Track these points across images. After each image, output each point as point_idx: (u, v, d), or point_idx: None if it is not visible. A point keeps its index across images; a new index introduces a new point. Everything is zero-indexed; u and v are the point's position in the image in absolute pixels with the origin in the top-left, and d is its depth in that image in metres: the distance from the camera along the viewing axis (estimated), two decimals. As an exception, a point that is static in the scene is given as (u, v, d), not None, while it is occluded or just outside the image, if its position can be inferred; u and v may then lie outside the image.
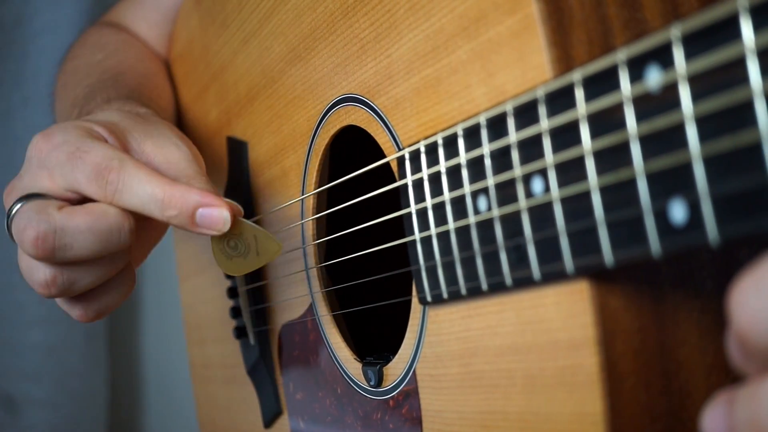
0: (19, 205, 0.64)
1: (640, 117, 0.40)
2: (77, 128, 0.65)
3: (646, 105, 0.40)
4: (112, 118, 0.70)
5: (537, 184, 0.47)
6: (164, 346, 1.63)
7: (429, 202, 0.56)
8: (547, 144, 0.46)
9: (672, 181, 0.39)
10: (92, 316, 0.70)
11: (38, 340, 1.42)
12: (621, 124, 0.41)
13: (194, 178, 0.65)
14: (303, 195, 0.77)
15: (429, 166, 0.56)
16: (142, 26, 1.10)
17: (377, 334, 0.79)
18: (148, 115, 0.76)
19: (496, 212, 0.50)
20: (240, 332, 0.91)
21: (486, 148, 0.50)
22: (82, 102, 0.87)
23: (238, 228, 0.65)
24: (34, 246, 0.62)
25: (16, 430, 1.40)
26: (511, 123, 0.48)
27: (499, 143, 0.49)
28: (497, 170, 0.50)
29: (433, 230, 0.56)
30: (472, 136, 0.52)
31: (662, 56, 0.39)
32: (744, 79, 0.35)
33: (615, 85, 0.41)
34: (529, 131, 0.47)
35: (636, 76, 0.40)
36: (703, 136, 0.37)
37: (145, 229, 0.71)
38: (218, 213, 0.61)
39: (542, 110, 0.46)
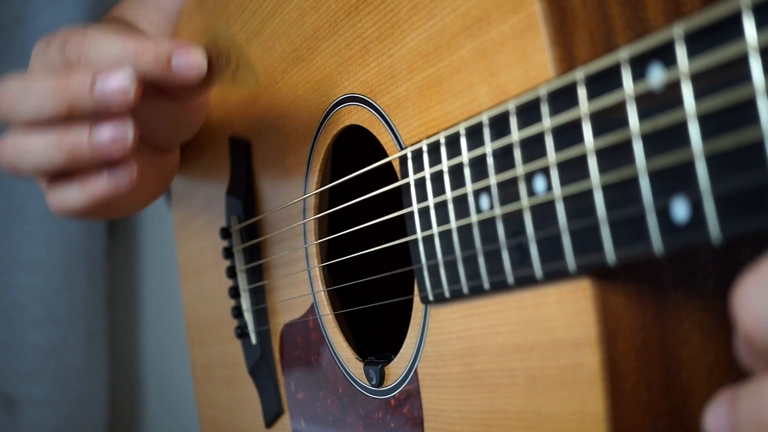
0: None
1: (642, 115, 0.40)
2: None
3: (649, 103, 0.40)
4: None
5: (539, 183, 0.47)
6: (164, 347, 1.63)
7: (431, 201, 0.56)
8: (549, 143, 0.46)
9: (674, 179, 0.39)
10: (59, 210, 0.68)
11: (38, 340, 1.42)
12: (623, 122, 0.41)
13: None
14: (305, 194, 0.77)
15: (431, 165, 0.56)
16: (145, 27, 1.10)
17: (379, 333, 0.79)
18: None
19: (498, 211, 0.50)
20: (241, 332, 0.91)
21: (488, 147, 0.51)
22: None
23: (226, 46, 0.61)
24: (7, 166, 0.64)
25: (16, 430, 1.40)
26: (513, 122, 0.49)
27: (502, 142, 0.49)
28: (499, 169, 0.50)
29: (435, 229, 0.56)
30: (475, 135, 0.52)
31: (665, 55, 0.39)
32: (746, 77, 0.35)
33: (617, 84, 0.41)
34: (531, 130, 0.47)
35: (638, 74, 0.40)
36: (706, 135, 0.37)
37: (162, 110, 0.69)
38: (194, 55, 0.59)
39: (545, 109, 0.46)
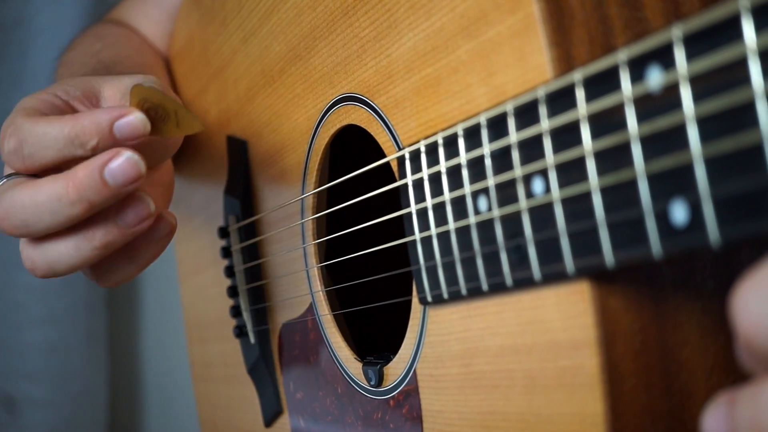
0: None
1: (641, 117, 0.40)
2: (28, 99, 0.65)
3: (647, 105, 0.40)
4: (67, 79, 0.69)
5: (537, 185, 0.47)
6: (164, 346, 1.63)
7: (429, 202, 0.56)
8: (547, 144, 0.46)
9: (673, 182, 0.39)
10: (114, 284, 0.68)
11: (38, 340, 1.42)
12: (622, 124, 0.41)
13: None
14: (303, 194, 0.77)
15: (429, 166, 0.56)
16: (144, 24, 1.10)
17: (378, 333, 0.79)
18: (116, 65, 0.74)
19: (496, 212, 0.50)
20: (240, 331, 0.91)
21: (486, 148, 0.50)
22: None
23: (158, 99, 0.61)
24: (4, 230, 0.62)
25: (16, 430, 1.40)
26: (511, 123, 0.48)
27: (500, 143, 0.49)
28: (497, 170, 0.50)
29: (433, 230, 0.56)
30: (473, 136, 0.52)
31: (663, 56, 0.39)
32: (745, 79, 0.35)
33: (616, 86, 0.41)
34: (529, 131, 0.47)
35: (637, 76, 0.40)
36: (705, 137, 0.37)
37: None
38: (134, 118, 0.58)
39: (543, 110, 0.46)
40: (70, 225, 0.60)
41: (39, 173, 0.63)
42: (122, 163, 0.57)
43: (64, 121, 0.59)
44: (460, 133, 0.53)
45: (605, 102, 0.42)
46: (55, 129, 0.59)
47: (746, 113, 0.35)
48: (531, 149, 0.47)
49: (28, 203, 0.59)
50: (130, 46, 1.02)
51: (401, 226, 0.61)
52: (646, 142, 0.40)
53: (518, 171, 0.48)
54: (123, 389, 1.65)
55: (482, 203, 0.51)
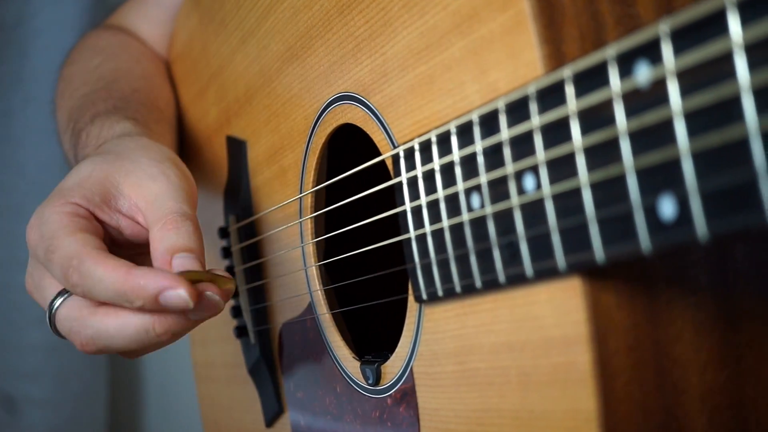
0: (58, 303, 0.66)
1: (629, 113, 0.40)
2: (52, 213, 0.66)
3: (636, 101, 0.40)
4: (85, 171, 0.69)
5: (529, 181, 0.47)
6: (165, 346, 1.63)
7: (423, 199, 0.56)
8: (538, 141, 0.46)
9: (661, 177, 0.39)
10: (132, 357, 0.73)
11: (38, 340, 1.42)
12: (611, 120, 0.41)
13: (170, 221, 0.65)
14: (301, 193, 0.77)
15: (423, 163, 0.56)
16: (145, 25, 1.10)
17: (376, 332, 0.79)
18: (125, 142, 0.75)
19: (488, 209, 0.50)
20: (240, 331, 0.91)
21: (478, 146, 0.50)
22: (76, 115, 0.88)
23: (203, 277, 0.64)
24: (83, 350, 0.65)
25: (16, 430, 1.40)
26: (503, 120, 0.48)
27: (492, 140, 0.49)
28: (490, 167, 0.50)
29: (427, 228, 0.56)
30: (465, 133, 0.52)
31: (651, 52, 0.39)
32: (731, 74, 0.35)
33: (604, 81, 0.41)
34: (520, 128, 0.47)
35: (625, 71, 0.40)
36: (692, 132, 0.37)
37: None
38: (177, 295, 0.60)
39: (533, 107, 0.46)
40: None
41: None
42: (204, 302, 0.62)
43: (117, 274, 0.61)
44: (453, 130, 0.53)
45: (594, 98, 0.42)
46: (109, 279, 0.61)
47: (732, 107, 0.35)
48: (522, 146, 0.47)
49: (115, 333, 0.63)
50: (129, 56, 1.03)
51: (398, 224, 0.61)
52: (635, 137, 0.40)
53: (510, 168, 0.48)
54: (123, 389, 1.65)
55: (475, 200, 0.51)
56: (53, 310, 0.66)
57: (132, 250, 0.69)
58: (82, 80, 0.96)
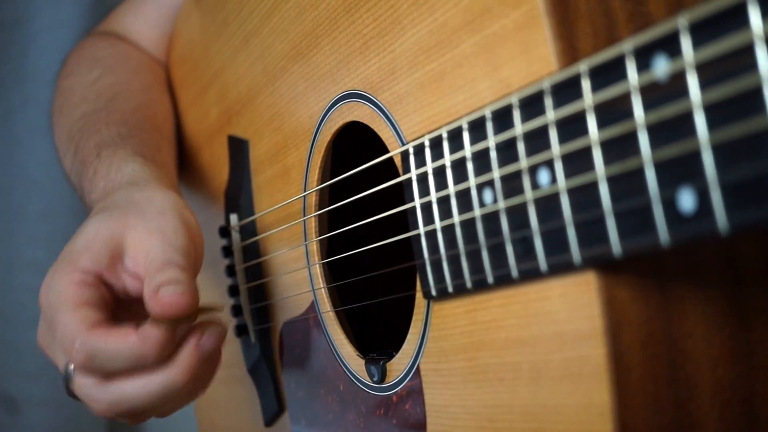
0: (72, 367, 0.67)
1: (647, 106, 0.40)
2: (59, 283, 0.67)
3: (654, 94, 0.40)
4: (91, 232, 0.70)
5: (543, 176, 0.47)
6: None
7: (434, 195, 0.56)
8: (553, 135, 0.46)
9: (680, 169, 0.39)
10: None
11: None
12: (628, 113, 0.41)
13: (155, 269, 0.66)
14: (305, 192, 0.77)
15: (433, 159, 0.56)
16: (143, 27, 1.10)
17: (379, 330, 0.79)
18: (131, 194, 0.75)
19: (501, 204, 0.50)
20: (240, 331, 0.91)
21: (491, 141, 0.50)
22: (77, 137, 0.89)
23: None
24: (101, 415, 0.68)
25: (16, 430, 1.39)
26: (516, 115, 0.49)
27: (505, 135, 0.49)
28: (503, 162, 0.50)
29: (437, 224, 0.56)
30: (477, 128, 0.52)
31: (669, 45, 0.39)
32: (752, 66, 0.35)
33: (622, 75, 0.41)
34: (535, 123, 0.47)
35: (643, 65, 0.40)
36: (712, 124, 0.37)
37: None
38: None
39: (548, 101, 0.46)
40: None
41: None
42: (210, 338, 0.65)
43: (131, 342, 0.63)
44: (465, 126, 0.53)
45: (611, 92, 0.42)
46: (124, 348, 0.63)
47: (753, 99, 0.35)
48: (536, 140, 0.47)
49: (141, 393, 0.64)
50: (126, 68, 1.02)
51: (403, 224, 0.61)
52: (653, 130, 0.40)
53: (524, 162, 0.48)
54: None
55: (487, 195, 0.51)
56: (69, 375, 0.67)
57: (139, 306, 0.69)
58: (81, 96, 0.96)
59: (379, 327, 0.80)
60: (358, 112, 0.68)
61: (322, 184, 0.76)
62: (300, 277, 0.80)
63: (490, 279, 0.52)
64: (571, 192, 0.45)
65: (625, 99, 0.41)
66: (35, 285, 1.41)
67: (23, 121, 1.38)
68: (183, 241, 0.69)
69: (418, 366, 0.63)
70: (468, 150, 0.53)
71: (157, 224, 0.69)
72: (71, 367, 0.66)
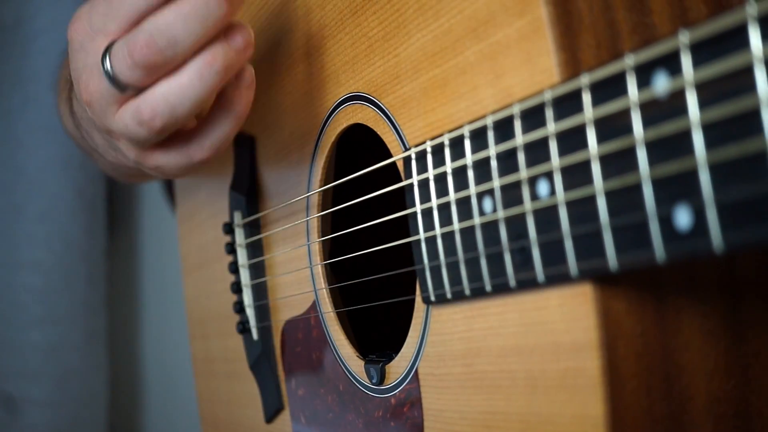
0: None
1: (646, 123, 0.40)
2: None
3: (653, 111, 0.40)
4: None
5: (542, 187, 0.47)
6: (165, 346, 1.63)
7: (434, 202, 0.56)
8: (553, 147, 0.46)
9: (677, 187, 0.39)
10: (210, 153, 0.72)
11: (38, 340, 1.41)
12: (628, 129, 0.41)
13: None
14: (308, 192, 0.77)
15: (435, 166, 0.56)
16: None
17: (380, 332, 0.79)
18: None
19: (501, 214, 0.50)
20: (243, 327, 0.92)
21: (492, 150, 0.51)
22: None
23: None
24: (149, 125, 0.64)
25: (16, 430, 1.39)
26: (517, 125, 0.49)
27: (506, 145, 0.50)
28: (503, 172, 0.50)
29: (437, 230, 0.56)
30: (479, 137, 0.52)
31: (670, 63, 0.39)
32: (751, 87, 0.35)
33: (622, 91, 0.41)
34: (535, 134, 0.47)
35: (643, 81, 0.40)
36: (710, 143, 0.37)
37: None
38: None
39: (549, 113, 0.46)
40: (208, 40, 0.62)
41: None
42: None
43: None
44: (467, 134, 0.53)
45: (612, 107, 0.42)
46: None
47: (751, 121, 0.35)
48: (536, 152, 0.47)
49: (175, 19, 0.60)
50: None
51: (406, 226, 0.61)
52: (652, 147, 0.40)
53: (524, 173, 0.48)
54: (123, 389, 1.65)
55: (487, 204, 0.51)
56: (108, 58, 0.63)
57: None
58: None
59: (380, 328, 0.80)
60: (362, 115, 0.68)
61: (325, 184, 0.76)
62: (302, 277, 0.80)
63: (488, 287, 0.52)
64: (570, 204, 0.45)
65: (624, 114, 0.41)
66: (35, 285, 1.42)
67: (23, 121, 1.37)
68: None
69: (416, 370, 0.63)
70: (469, 158, 0.53)
71: None
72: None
